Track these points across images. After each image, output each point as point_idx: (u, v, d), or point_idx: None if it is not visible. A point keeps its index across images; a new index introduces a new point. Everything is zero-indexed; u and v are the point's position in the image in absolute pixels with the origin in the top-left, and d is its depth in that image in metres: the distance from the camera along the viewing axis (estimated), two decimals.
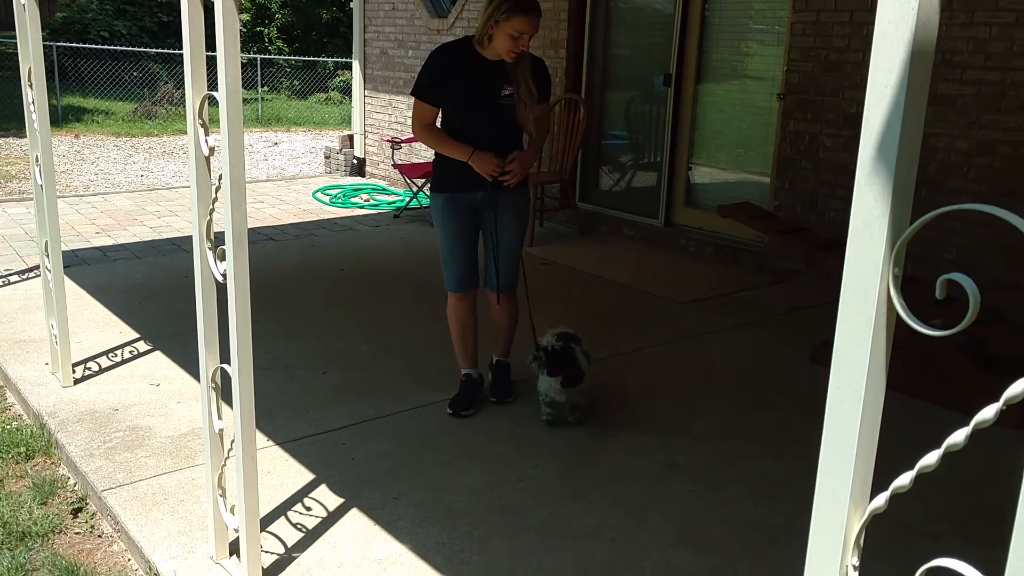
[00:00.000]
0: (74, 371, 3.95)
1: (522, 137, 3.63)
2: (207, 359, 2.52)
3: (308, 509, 2.93)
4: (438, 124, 3.63)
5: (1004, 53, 4.67)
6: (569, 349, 3.52)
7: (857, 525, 1.07)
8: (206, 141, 2.36)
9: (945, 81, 4.88)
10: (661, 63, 6.71)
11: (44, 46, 3.74)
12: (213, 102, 2.29)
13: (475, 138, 3.51)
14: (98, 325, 4.67)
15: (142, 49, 17.77)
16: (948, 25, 4.85)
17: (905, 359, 3.89)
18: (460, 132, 3.55)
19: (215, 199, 2.39)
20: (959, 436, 0.94)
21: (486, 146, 3.49)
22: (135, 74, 17.23)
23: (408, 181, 7.97)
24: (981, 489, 3.13)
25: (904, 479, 1.01)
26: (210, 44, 2.27)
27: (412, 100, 3.57)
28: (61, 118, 14.00)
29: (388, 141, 8.65)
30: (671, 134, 6.70)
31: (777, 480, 3.22)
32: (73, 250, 6.24)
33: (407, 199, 8.15)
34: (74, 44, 16.43)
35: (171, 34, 19.81)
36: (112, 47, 17.42)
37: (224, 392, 2.53)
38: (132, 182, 9.78)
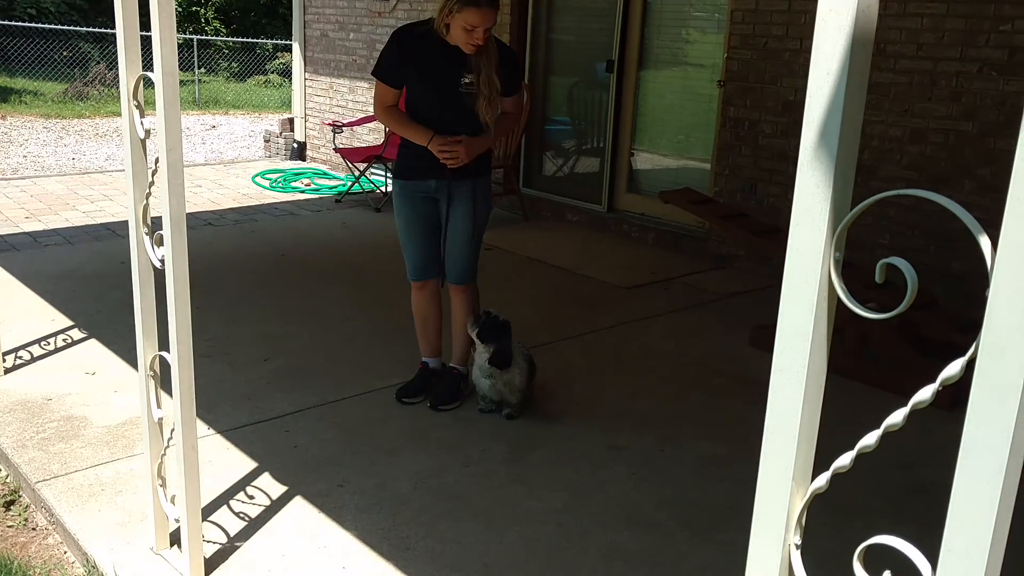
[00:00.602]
0: (4, 360, 3.83)
1: (482, 126, 3.51)
2: (145, 347, 2.47)
3: (251, 498, 2.89)
4: (403, 106, 3.53)
5: (935, 43, 4.79)
6: (508, 329, 3.50)
7: (799, 504, 1.09)
8: (141, 123, 2.30)
9: (879, 70, 5.00)
10: (604, 49, 6.74)
11: None
12: (148, 83, 2.23)
13: (433, 124, 3.43)
14: (29, 313, 4.53)
15: (71, 27, 17.20)
16: (882, 15, 4.95)
17: (843, 342, 3.99)
18: (419, 117, 3.46)
19: (152, 183, 2.33)
20: (897, 416, 0.96)
21: (444, 133, 3.41)
22: (65, 53, 16.68)
23: (350, 165, 7.88)
24: (915, 469, 3.23)
25: (844, 459, 1.03)
26: (144, 23, 2.20)
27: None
28: None
29: (329, 125, 8.54)
30: (614, 120, 6.74)
31: (718, 461, 3.28)
32: (1, 236, 6.04)
33: (349, 184, 8.07)
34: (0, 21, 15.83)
35: (102, 12, 19.21)
36: (39, 25, 16.83)
37: (163, 380, 2.48)
38: (63, 165, 9.49)
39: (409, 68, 3.42)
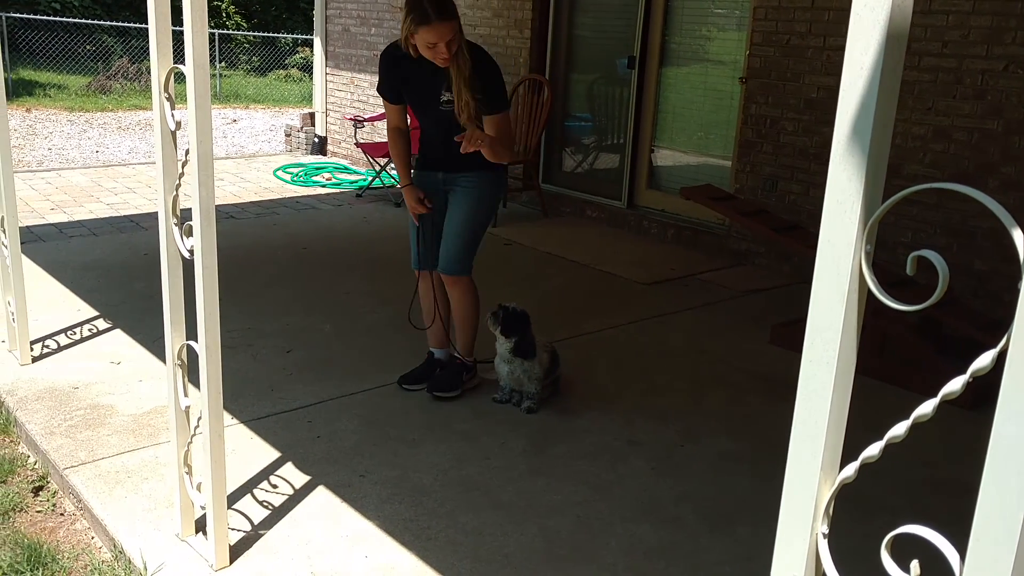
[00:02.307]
0: (32, 349, 3.89)
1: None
2: (173, 336, 2.50)
3: (274, 487, 2.92)
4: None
5: (960, 41, 4.76)
6: (527, 318, 3.52)
7: (827, 494, 1.11)
8: (172, 115, 2.33)
9: (903, 68, 4.97)
10: (625, 45, 6.73)
11: None
12: (179, 76, 2.26)
13: (427, 138, 3.54)
14: (55, 303, 4.59)
15: (95, 21, 17.35)
16: None
17: (864, 339, 3.98)
18: (419, 130, 3.58)
19: (182, 174, 2.37)
20: (927, 407, 0.97)
21: (436, 148, 3.49)
22: (88, 47, 16.82)
23: (370, 160, 7.92)
24: (936, 466, 3.22)
25: (873, 449, 1.04)
26: (175, 18, 2.24)
27: (375, 78, 3.55)
28: (12, 91, 13.65)
29: (350, 119, 8.58)
30: (634, 116, 6.74)
31: (736, 456, 3.28)
32: (28, 227, 6.11)
33: (370, 178, 8.10)
34: (25, 15, 16.00)
35: (125, 6, 19.36)
36: (64, 19, 16.99)
37: (189, 370, 2.51)
38: (87, 158, 9.58)
39: (396, 86, 3.48)
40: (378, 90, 3.58)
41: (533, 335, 3.54)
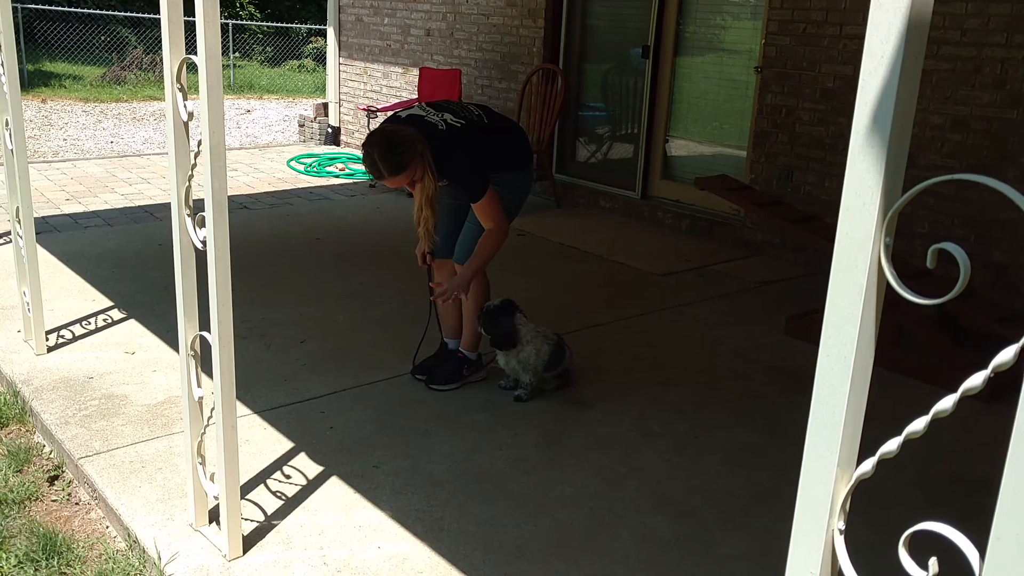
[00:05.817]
0: (47, 339, 3.91)
1: (464, 220, 3.60)
2: (186, 327, 2.50)
3: (288, 477, 2.93)
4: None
5: (979, 29, 4.70)
6: (505, 310, 3.53)
7: (844, 490, 1.09)
8: (184, 106, 2.33)
9: None
10: (640, 34, 6.69)
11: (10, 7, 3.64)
12: (191, 67, 2.26)
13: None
14: (70, 293, 4.61)
15: (110, 12, 17.40)
16: None
17: (879, 330, 3.95)
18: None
19: (194, 165, 2.36)
20: (947, 403, 0.96)
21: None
22: (103, 38, 16.88)
23: None
24: (951, 459, 3.19)
25: (891, 445, 1.02)
26: (186, 8, 2.23)
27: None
28: (28, 82, 13.71)
29: (364, 110, 8.56)
30: (649, 106, 6.70)
31: (751, 449, 3.26)
32: (43, 217, 6.14)
33: None
34: (41, 6, 16.06)
35: None
36: (78, 10, 17.05)
37: (202, 360, 2.52)
38: (102, 148, 9.62)
39: None
40: None
41: (512, 325, 3.52)
